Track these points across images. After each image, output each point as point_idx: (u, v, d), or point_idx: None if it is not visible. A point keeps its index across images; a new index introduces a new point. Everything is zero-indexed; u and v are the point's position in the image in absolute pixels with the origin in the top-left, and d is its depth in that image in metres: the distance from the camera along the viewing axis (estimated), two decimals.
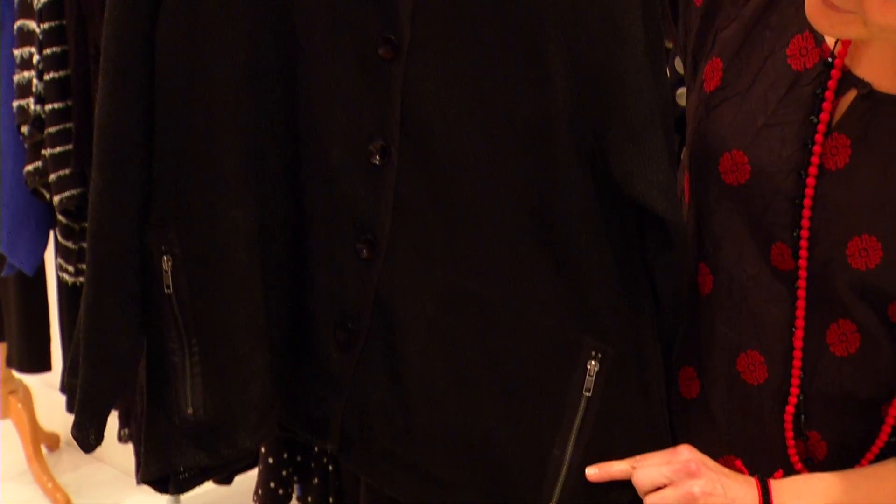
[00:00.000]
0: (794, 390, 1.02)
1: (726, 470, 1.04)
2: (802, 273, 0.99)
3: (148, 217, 1.05)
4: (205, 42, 0.99)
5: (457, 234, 1.02)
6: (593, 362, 1.04)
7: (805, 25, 0.99)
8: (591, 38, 0.96)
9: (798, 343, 1.01)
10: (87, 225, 1.98)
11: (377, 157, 1.00)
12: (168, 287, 1.06)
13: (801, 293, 1.00)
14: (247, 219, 1.04)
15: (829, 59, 0.98)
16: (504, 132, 1.00)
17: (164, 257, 1.05)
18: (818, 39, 0.99)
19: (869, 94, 0.96)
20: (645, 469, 1.03)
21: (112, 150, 1.02)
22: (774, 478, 1.04)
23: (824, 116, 0.98)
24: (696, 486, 1.01)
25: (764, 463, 1.06)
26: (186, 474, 1.10)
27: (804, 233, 0.98)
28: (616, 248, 1.03)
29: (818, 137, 0.98)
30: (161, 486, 1.11)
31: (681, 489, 1.01)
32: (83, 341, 1.07)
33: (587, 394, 1.04)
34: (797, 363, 1.02)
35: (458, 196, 1.01)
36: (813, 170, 0.98)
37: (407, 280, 1.04)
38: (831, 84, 0.97)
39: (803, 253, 0.99)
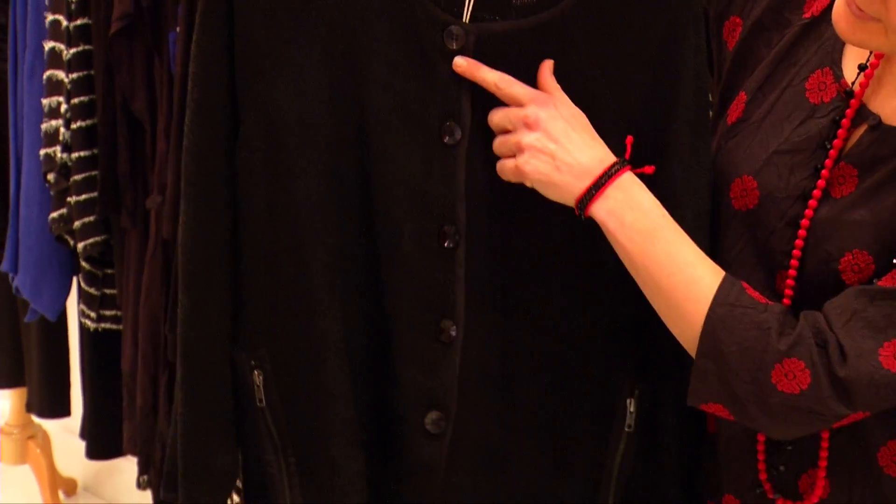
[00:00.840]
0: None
1: (586, 134, 1.01)
2: (789, 292, 1.00)
3: (236, 334, 1.08)
4: (287, 159, 1.02)
5: (519, 299, 1.07)
6: (632, 400, 1.09)
7: (826, 62, 1.02)
8: (646, 107, 1.04)
9: None
10: (112, 272, 2.01)
11: (448, 241, 1.04)
12: (261, 401, 1.08)
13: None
14: (334, 326, 1.06)
15: (849, 90, 1.00)
16: (561, 205, 1.04)
17: (255, 372, 1.07)
18: (837, 75, 1.02)
19: (877, 126, 0.98)
20: (500, 110, 1.02)
21: (199, 273, 1.05)
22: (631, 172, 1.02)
23: (837, 143, 0.99)
24: (526, 138, 1.00)
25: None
26: None
27: (796, 252, 1.00)
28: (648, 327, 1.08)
29: (828, 163, 0.99)
30: None
31: (512, 138, 1.01)
32: (182, 460, 1.09)
33: (628, 430, 1.09)
34: None
35: (519, 265, 1.06)
36: (817, 193, 0.99)
37: (480, 354, 1.07)
38: (849, 113, 0.99)
39: (792, 272, 1.00)
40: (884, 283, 0.93)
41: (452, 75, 1.01)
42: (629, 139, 1.03)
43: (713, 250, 1.07)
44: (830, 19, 0.99)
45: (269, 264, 1.05)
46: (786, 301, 1.01)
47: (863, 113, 0.99)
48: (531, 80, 1.02)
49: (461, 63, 1.00)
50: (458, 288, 1.05)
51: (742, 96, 1.08)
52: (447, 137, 1.02)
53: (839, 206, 0.98)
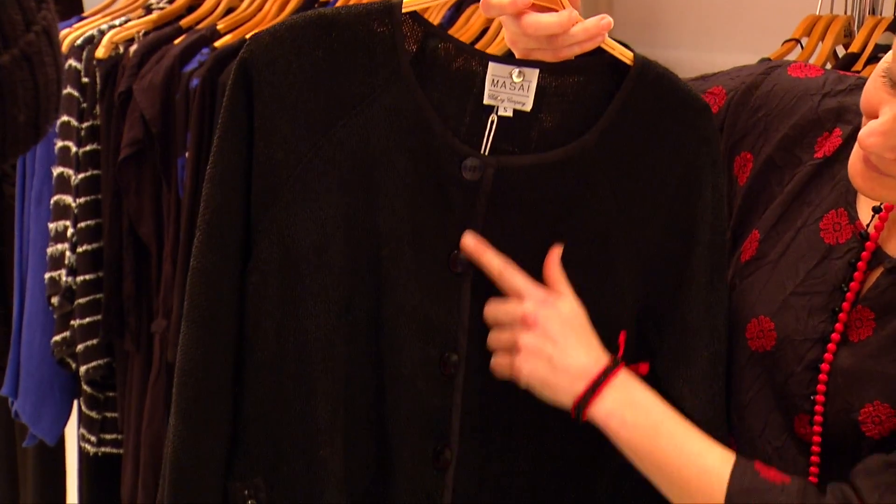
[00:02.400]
0: None
1: (584, 334, 1.00)
2: (817, 439, 0.99)
3: (231, 462, 1.04)
4: (299, 286, 1.00)
5: (513, 429, 1.06)
6: None
7: (840, 203, 1.02)
8: (662, 248, 1.03)
9: None
10: (114, 395, 1.99)
11: (450, 368, 1.03)
12: None
13: (815, 459, 0.99)
14: (335, 457, 1.04)
15: (864, 232, 1.00)
16: None
17: (250, 502, 1.04)
18: (852, 217, 1.02)
19: (894, 269, 0.98)
20: (497, 304, 1.01)
21: (196, 399, 1.02)
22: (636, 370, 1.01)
23: (854, 286, 0.99)
24: (523, 339, 0.98)
25: None
26: None
27: (819, 398, 0.98)
28: None
29: (845, 306, 0.99)
30: None
31: (508, 335, 1.00)
32: None
33: None
34: None
35: (514, 394, 1.04)
36: (836, 336, 0.98)
37: (476, 476, 1.06)
38: (865, 255, 0.99)
39: (818, 419, 0.98)
40: None
41: (465, 206, 1.00)
42: (622, 336, 1.03)
43: (729, 391, 1.06)
44: (843, 159, 1.00)
45: (272, 392, 1.02)
46: (814, 448, 0.99)
47: (879, 255, 0.99)
48: (547, 215, 1.02)
49: (469, 243, 1.01)
50: (454, 413, 1.04)
51: (755, 234, 1.08)
52: (456, 267, 1.01)
53: (858, 353, 0.98)
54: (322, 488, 1.03)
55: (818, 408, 0.99)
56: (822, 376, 0.98)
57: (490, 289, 1.02)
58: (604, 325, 1.03)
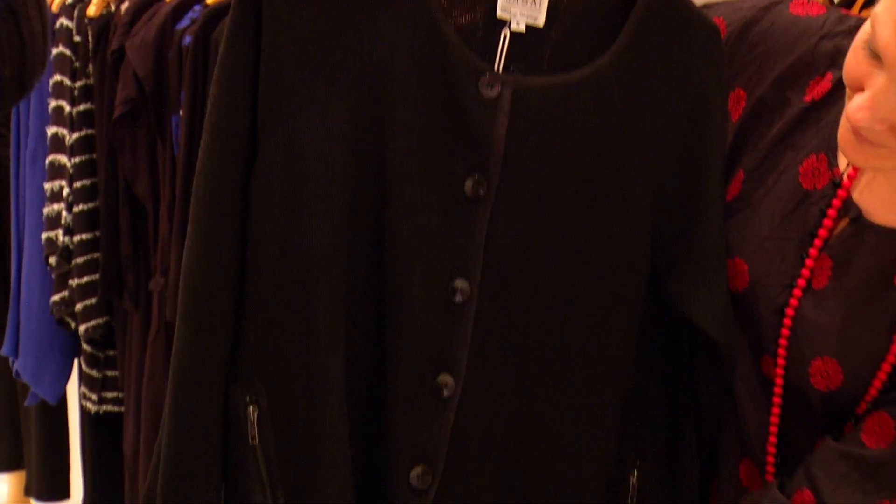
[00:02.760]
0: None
1: None
2: (778, 390, 1.00)
3: (232, 367, 1.03)
4: (303, 194, 0.98)
5: (528, 367, 1.04)
6: (635, 473, 1.07)
7: (822, 147, 1.01)
8: (675, 170, 1.02)
9: (771, 449, 1.01)
10: (114, 353, 2.00)
11: (458, 296, 1.00)
12: (253, 438, 1.03)
13: (777, 400, 1.00)
14: (337, 366, 1.02)
15: (838, 180, 1.00)
16: (582, 269, 1.02)
17: (250, 408, 1.03)
18: (831, 163, 1.01)
19: (857, 220, 0.97)
20: None
21: (200, 300, 1.01)
22: None
23: (823, 233, 0.99)
24: None
25: None
26: None
27: (781, 350, 0.99)
28: (666, 372, 1.07)
29: (812, 252, 0.99)
30: None
31: None
32: (162, 494, 1.04)
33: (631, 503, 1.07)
34: (770, 469, 1.02)
35: (531, 332, 1.03)
36: (801, 283, 0.99)
37: (480, 413, 1.04)
38: (835, 203, 0.99)
39: (780, 364, 0.99)
40: (865, 437, 0.93)
41: (484, 126, 0.97)
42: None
43: None
44: (831, 104, 0.99)
45: (275, 298, 1.01)
46: (776, 390, 1.00)
47: (848, 205, 0.99)
48: (564, 136, 0.99)
49: None
50: (460, 345, 1.01)
51: (740, 175, 1.08)
52: (472, 190, 0.98)
53: (818, 303, 0.98)
54: (324, 396, 1.01)
55: (780, 355, 0.99)
56: (787, 322, 0.99)
57: (510, 218, 0.99)
58: (620, 246, 1.01)
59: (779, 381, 1.00)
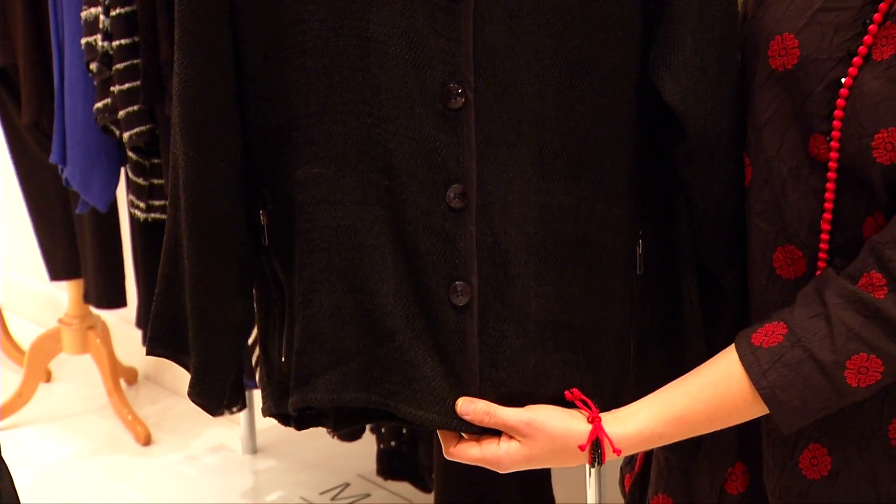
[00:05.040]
0: None
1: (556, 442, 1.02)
2: (833, 165, 0.97)
3: (247, 179, 1.09)
4: (285, 8, 1.01)
5: (542, 161, 1.04)
6: (640, 243, 1.09)
7: None
8: None
9: (825, 237, 0.99)
10: (159, 161, 2.00)
11: (454, 100, 1.00)
12: (265, 240, 1.09)
13: (831, 185, 0.97)
14: (332, 177, 1.05)
15: None
16: (575, 57, 1.02)
17: (261, 212, 1.08)
18: None
19: None
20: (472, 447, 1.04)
21: (203, 123, 1.04)
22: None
23: (885, 3, 0.94)
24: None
25: None
26: (297, 415, 1.11)
27: (836, 123, 0.95)
28: (660, 158, 1.09)
29: (877, 17, 0.94)
30: (283, 420, 1.13)
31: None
32: (194, 311, 1.09)
33: (639, 272, 1.10)
34: (823, 255, 0.99)
35: (537, 121, 1.02)
36: (862, 50, 0.94)
37: (504, 212, 1.04)
38: None
39: (834, 144, 0.96)
40: None
41: None
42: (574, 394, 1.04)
43: (746, 110, 1.04)
44: None
45: (265, 108, 1.05)
46: (830, 173, 0.97)
47: None
48: None
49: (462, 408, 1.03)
50: (466, 151, 1.01)
51: None
52: None
53: (880, 74, 0.93)
54: (318, 204, 1.04)
55: (835, 132, 0.96)
56: (843, 92, 0.95)
57: (498, 18, 0.99)
58: (610, 29, 1.01)
59: (833, 155, 0.96)
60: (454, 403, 1.03)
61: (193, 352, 1.11)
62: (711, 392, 0.99)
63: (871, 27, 0.94)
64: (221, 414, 1.12)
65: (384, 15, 1.00)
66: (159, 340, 1.15)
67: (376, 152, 1.03)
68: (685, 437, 1.02)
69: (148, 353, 1.16)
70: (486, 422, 1.01)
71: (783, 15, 1.00)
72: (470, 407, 1.01)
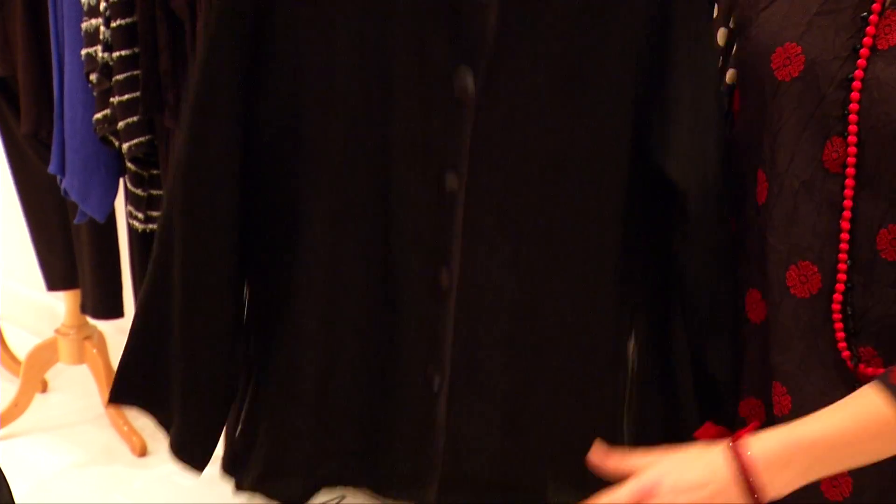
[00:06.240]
0: (838, 297, 0.98)
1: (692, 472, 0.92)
2: (851, 171, 0.96)
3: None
4: (305, 92, 1.05)
5: (518, 255, 1.08)
6: (632, 343, 1.12)
7: None
8: (647, 29, 1.04)
9: (844, 246, 0.98)
10: (158, 172, 2.00)
11: (448, 188, 1.05)
12: (245, 318, 1.15)
13: (849, 192, 0.97)
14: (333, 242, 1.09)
15: None
16: (569, 136, 1.06)
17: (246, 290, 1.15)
18: None
19: None
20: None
21: (203, 191, 1.10)
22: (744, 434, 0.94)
23: None
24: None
25: (814, 384, 1.01)
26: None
27: (853, 118, 0.95)
28: (655, 236, 1.11)
29: (876, 7, 0.95)
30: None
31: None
32: (183, 374, 1.15)
33: (631, 369, 1.13)
34: (842, 266, 0.98)
35: (524, 217, 1.07)
36: (867, 41, 0.95)
37: (480, 300, 1.08)
38: None
39: (852, 139, 0.96)
40: None
41: (474, 24, 0.99)
42: (753, 425, 0.95)
43: (761, 129, 1.03)
44: None
45: (267, 187, 1.09)
46: (849, 170, 0.96)
47: None
48: (549, 28, 1.01)
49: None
50: (455, 230, 1.06)
51: None
52: (458, 90, 1.02)
53: (891, 59, 0.94)
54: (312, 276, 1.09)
55: (852, 127, 0.95)
56: (856, 89, 0.95)
57: (495, 116, 1.03)
58: (604, 110, 1.04)
59: (852, 151, 0.96)
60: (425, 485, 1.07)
61: (178, 415, 1.15)
62: (852, 421, 0.90)
63: (872, 18, 0.94)
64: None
65: (398, 118, 1.04)
66: (127, 392, 1.17)
67: (381, 239, 1.09)
68: (832, 465, 0.92)
69: (111, 402, 1.18)
70: None
71: (780, 26, 1.00)
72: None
